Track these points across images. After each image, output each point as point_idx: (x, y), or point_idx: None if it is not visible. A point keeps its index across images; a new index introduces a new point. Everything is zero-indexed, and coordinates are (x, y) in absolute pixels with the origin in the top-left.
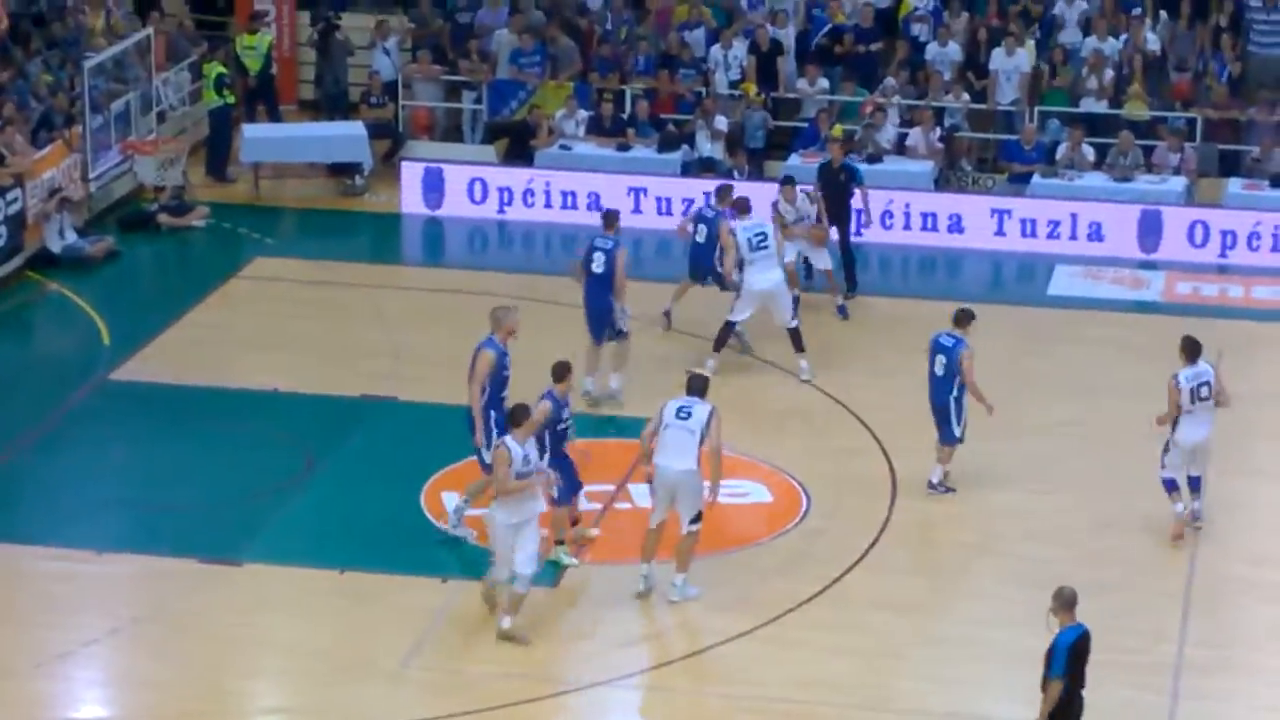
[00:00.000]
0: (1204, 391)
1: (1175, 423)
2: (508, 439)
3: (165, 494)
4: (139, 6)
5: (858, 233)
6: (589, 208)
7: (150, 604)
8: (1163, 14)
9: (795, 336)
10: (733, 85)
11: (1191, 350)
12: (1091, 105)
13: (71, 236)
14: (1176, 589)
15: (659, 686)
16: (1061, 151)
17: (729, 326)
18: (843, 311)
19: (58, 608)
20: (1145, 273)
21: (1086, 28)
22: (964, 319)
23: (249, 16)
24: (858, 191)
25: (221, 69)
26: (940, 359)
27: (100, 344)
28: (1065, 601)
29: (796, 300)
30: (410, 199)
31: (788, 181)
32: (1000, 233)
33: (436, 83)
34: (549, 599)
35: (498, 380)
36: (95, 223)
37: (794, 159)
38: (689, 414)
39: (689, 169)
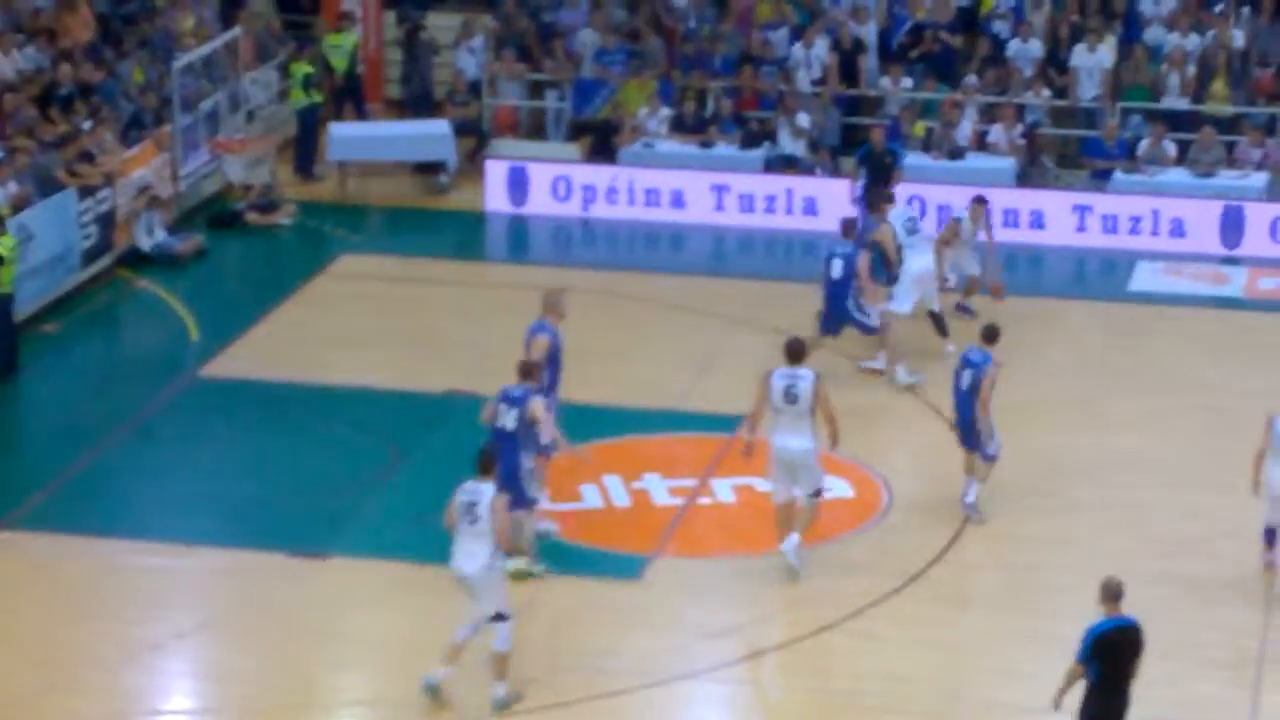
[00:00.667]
0: None
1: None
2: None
3: (253, 488)
4: (226, 6)
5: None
6: (671, 205)
7: (239, 597)
8: (1245, 10)
9: (937, 320)
10: (815, 83)
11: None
12: (1173, 101)
13: (161, 235)
14: (1255, 583)
15: (746, 680)
16: (1143, 147)
17: (889, 320)
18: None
19: (148, 601)
20: (1227, 268)
21: (1169, 24)
22: (992, 335)
23: (336, 16)
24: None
25: (309, 68)
26: (967, 374)
27: (189, 341)
28: (1109, 592)
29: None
30: (495, 197)
31: (979, 201)
32: (1082, 229)
33: (520, 81)
34: (634, 591)
35: (555, 364)
36: (184, 221)
37: None
38: (796, 396)
39: (771, 166)
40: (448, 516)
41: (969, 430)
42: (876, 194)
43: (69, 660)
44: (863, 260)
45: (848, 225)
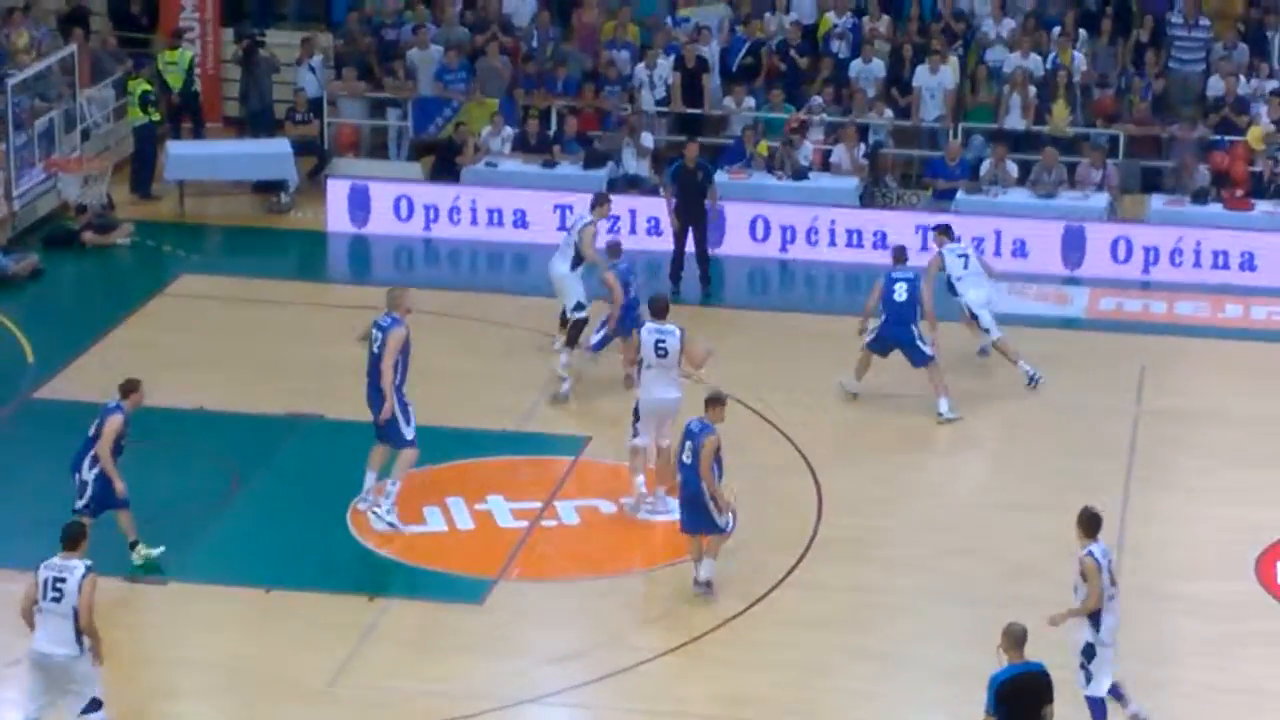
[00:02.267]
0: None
1: (1096, 615)
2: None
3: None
4: (63, 23)
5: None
6: (515, 225)
7: None
8: (1083, 31)
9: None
10: (659, 103)
11: (1094, 524)
12: (1015, 122)
13: None
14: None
15: (584, 704)
16: (985, 168)
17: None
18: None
19: None
20: (1069, 289)
21: (1010, 45)
22: (715, 402)
23: (171, 33)
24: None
25: (146, 86)
26: (688, 445)
27: (24, 362)
28: (1012, 639)
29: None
30: (336, 216)
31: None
32: (925, 249)
33: (361, 100)
34: (478, 615)
35: (407, 358)
36: (19, 241)
37: (721, 175)
38: (665, 350)
39: (615, 186)
40: (23, 601)
41: (694, 508)
42: (899, 251)
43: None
44: (927, 288)
45: (898, 252)
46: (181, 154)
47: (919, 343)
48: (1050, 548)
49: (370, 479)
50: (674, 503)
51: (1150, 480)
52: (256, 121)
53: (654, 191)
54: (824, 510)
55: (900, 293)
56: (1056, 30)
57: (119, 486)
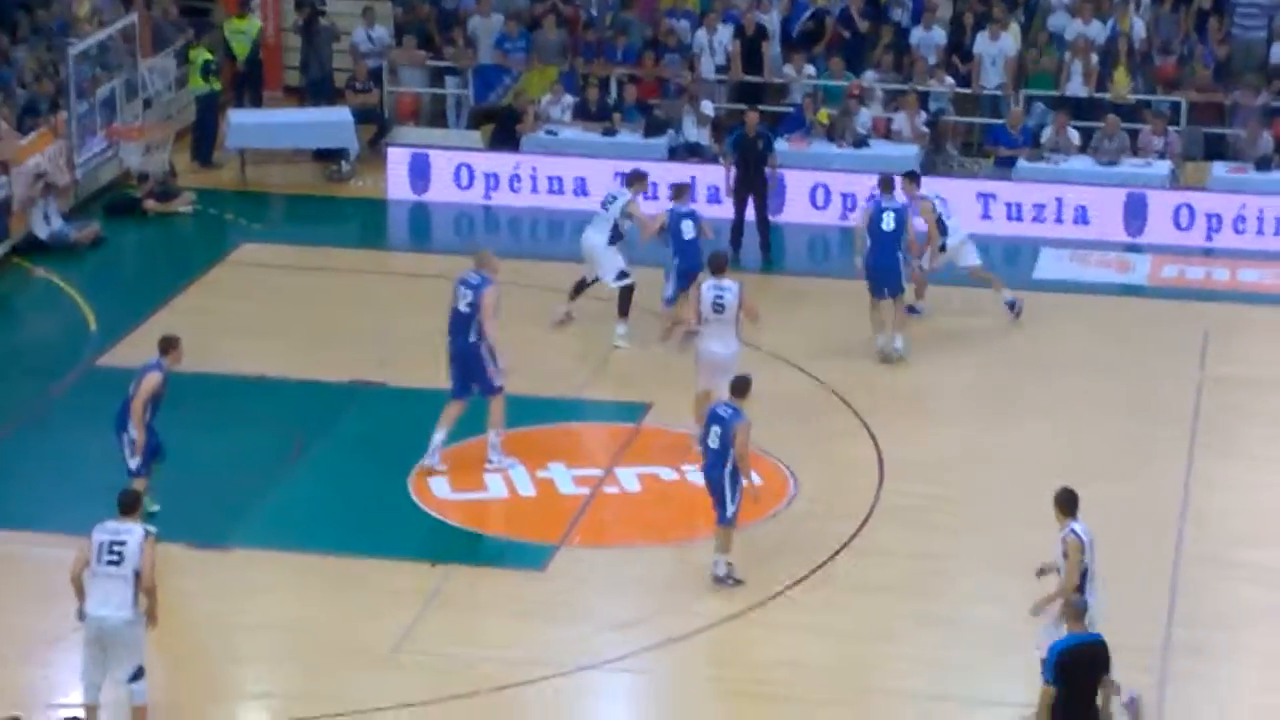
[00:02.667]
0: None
1: (1080, 590)
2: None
3: (153, 479)
4: None
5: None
6: (575, 193)
7: None
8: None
9: None
10: (718, 70)
11: (1073, 503)
12: (1076, 89)
13: (58, 223)
14: (1162, 571)
15: (648, 670)
16: (1047, 135)
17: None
18: (1012, 306)
19: (45, 594)
20: (1131, 256)
21: (1072, 11)
22: (741, 388)
23: (241, 1)
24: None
25: (208, 55)
26: (715, 430)
27: (87, 330)
28: (1074, 612)
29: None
30: (396, 184)
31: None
32: (986, 216)
33: (422, 68)
34: (539, 581)
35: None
36: (81, 209)
37: (780, 143)
38: (722, 306)
39: (675, 153)
40: (74, 565)
41: (718, 493)
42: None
43: None
44: (924, 209)
45: (885, 182)
46: (243, 122)
47: (900, 273)
48: (1111, 514)
49: (439, 437)
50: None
51: (1214, 448)
52: (317, 90)
53: (714, 159)
54: (885, 476)
55: (888, 222)
56: None
57: (141, 441)
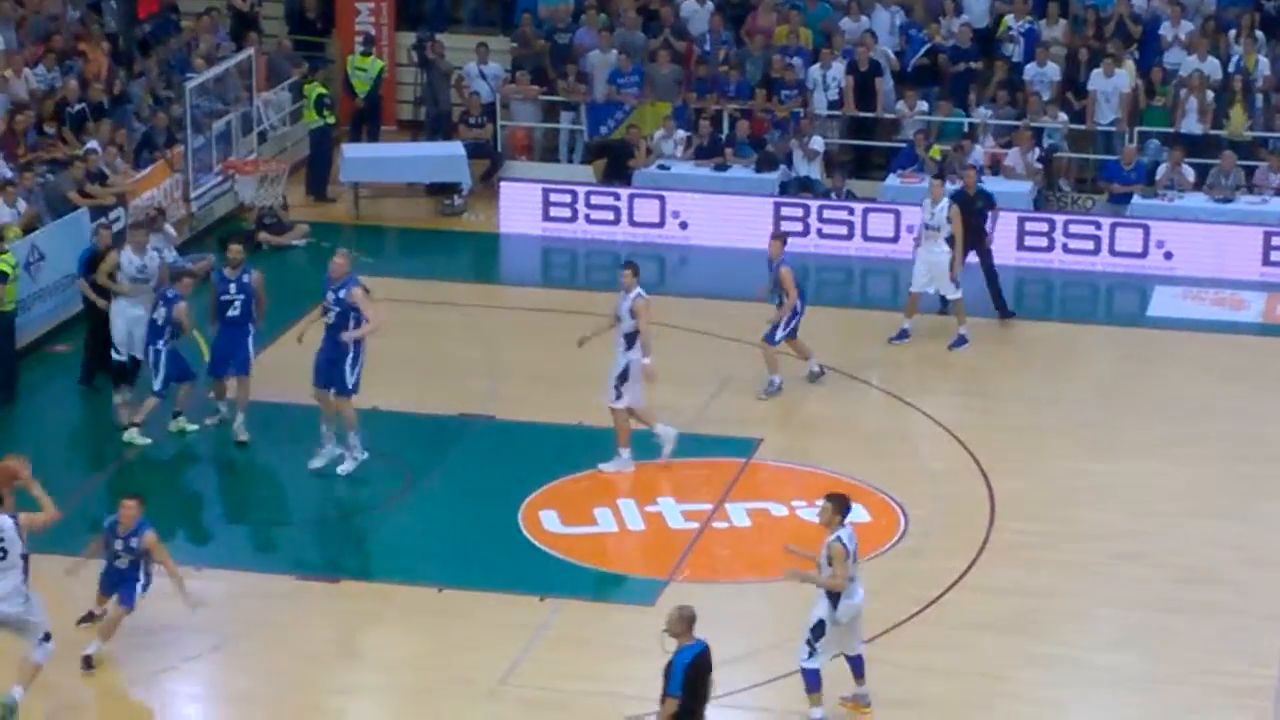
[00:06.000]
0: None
1: (835, 596)
2: None
3: (265, 511)
4: (237, 27)
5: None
6: (684, 227)
7: (250, 620)
8: (1260, 35)
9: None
10: (831, 105)
11: (844, 506)
12: (1191, 125)
13: (172, 255)
14: (1276, 611)
15: (756, 707)
16: (1161, 172)
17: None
18: (962, 341)
19: (160, 623)
20: (1246, 294)
21: (1188, 48)
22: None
23: (364, 39)
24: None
25: (322, 90)
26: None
27: (200, 361)
28: (685, 621)
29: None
30: (509, 219)
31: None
32: (1099, 253)
33: (535, 103)
34: (649, 617)
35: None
36: (196, 242)
37: (892, 179)
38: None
39: (786, 189)
40: None
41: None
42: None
43: (80, 683)
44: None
45: None
46: (356, 156)
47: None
48: (1223, 553)
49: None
50: None
51: None
52: (434, 125)
53: (826, 194)
54: (996, 514)
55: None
56: (1233, 33)
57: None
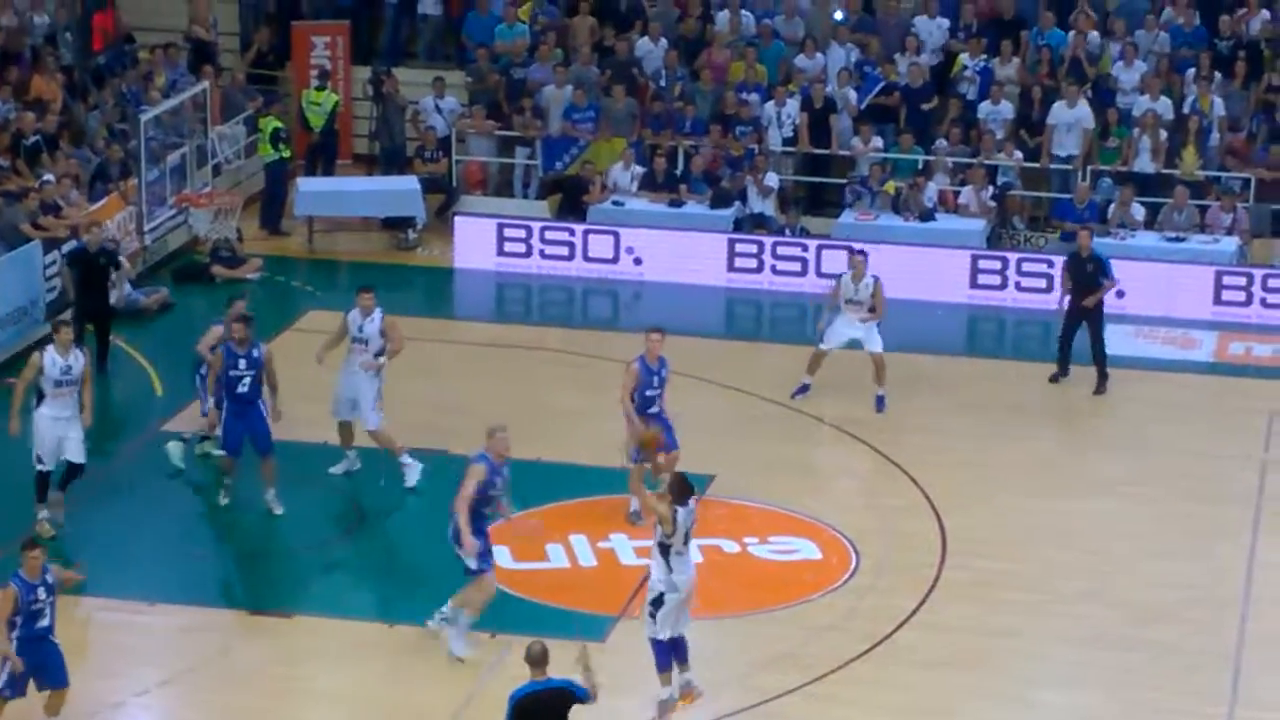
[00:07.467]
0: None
1: (669, 562)
2: None
3: (216, 545)
4: (193, 61)
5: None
6: (638, 263)
7: (201, 655)
8: (1217, 74)
9: None
10: (786, 142)
11: (685, 489)
12: (1144, 165)
13: (126, 288)
14: (1228, 650)
15: None
16: (1112, 210)
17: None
18: (880, 403)
19: (110, 658)
20: (1197, 332)
21: (1141, 88)
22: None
23: (319, 73)
24: (1105, 283)
25: (277, 123)
26: None
27: (153, 395)
28: (533, 658)
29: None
30: (463, 253)
31: (859, 254)
32: (1052, 290)
33: (490, 138)
34: (599, 653)
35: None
36: (150, 275)
37: (847, 215)
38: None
39: (741, 225)
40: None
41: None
42: None
43: (28, 716)
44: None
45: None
46: (311, 190)
47: None
48: (1177, 592)
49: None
50: None
51: (1267, 524)
52: (388, 159)
53: (780, 231)
54: (948, 552)
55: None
56: (1190, 73)
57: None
